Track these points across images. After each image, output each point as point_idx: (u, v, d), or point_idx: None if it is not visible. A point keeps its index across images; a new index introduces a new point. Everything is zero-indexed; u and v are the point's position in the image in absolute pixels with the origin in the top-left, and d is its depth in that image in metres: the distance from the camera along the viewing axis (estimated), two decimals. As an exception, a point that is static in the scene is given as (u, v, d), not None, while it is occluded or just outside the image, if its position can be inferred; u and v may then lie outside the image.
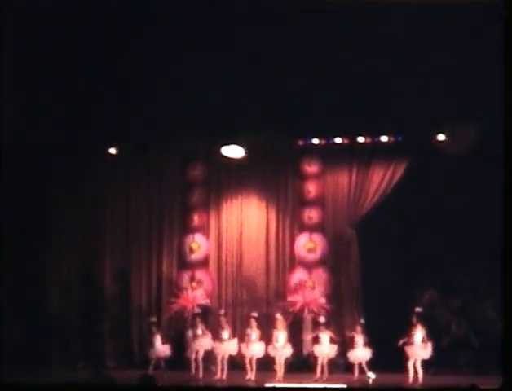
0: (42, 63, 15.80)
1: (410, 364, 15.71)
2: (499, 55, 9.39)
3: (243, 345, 16.60)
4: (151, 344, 17.10)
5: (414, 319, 15.87)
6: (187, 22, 15.01)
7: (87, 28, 15.19)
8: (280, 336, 16.47)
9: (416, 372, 15.70)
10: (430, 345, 15.82)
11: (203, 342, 16.80)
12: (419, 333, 15.78)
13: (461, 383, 13.33)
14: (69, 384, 12.20)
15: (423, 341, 15.77)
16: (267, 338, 16.82)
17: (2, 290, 16.67)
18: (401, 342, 15.71)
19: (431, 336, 16.16)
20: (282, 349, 16.44)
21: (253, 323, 16.61)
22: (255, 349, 16.50)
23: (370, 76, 15.60)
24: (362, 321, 16.75)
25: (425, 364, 15.94)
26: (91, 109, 16.79)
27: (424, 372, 15.79)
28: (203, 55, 15.52)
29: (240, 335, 17.05)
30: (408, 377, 15.63)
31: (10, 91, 15.38)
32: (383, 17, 14.46)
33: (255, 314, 16.83)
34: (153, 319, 17.55)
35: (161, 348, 17.06)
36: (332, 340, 16.54)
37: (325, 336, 16.52)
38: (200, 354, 16.80)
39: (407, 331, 15.82)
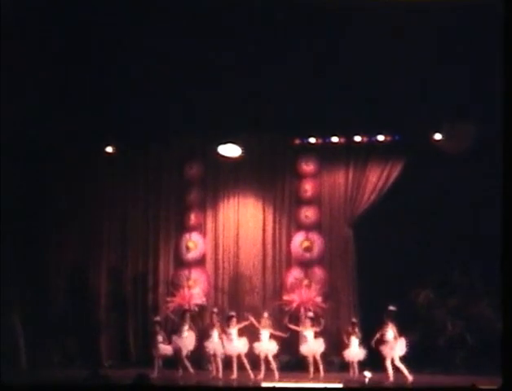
0: (42, 62, 15.77)
1: (388, 363, 15.65)
2: (498, 55, 9.40)
3: (227, 344, 16.54)
4: (154, 343, 17.06)
5: (386, 317, 15.81)
6: (186, 21, 14.99)
7: (87, 27, 15.16)
8: (264, 333, 16.46)
9: (399, 371, 15.65)
10: (403, 341, 15.74)
11: (186, 341, 16.82)
12: (391, 331, 15.74)
13: (457, 382, 13.39)
14: (66, 384, 12.23)
15: (395, 338, 15.73)
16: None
17: (1, 289, 16.66)
18: (373, 341, 15.75)
19: (428, 335, 16.22)
20: (267, 346, 16.42)
21: (233, 322, 16.58)
22: (238, 346, 16.48)
23: (367, 75, 15.59)
24: (354, 320, 16.78)
25: (421, 363, 15.96)
26: (89, 108, 16.77)
27: (419, 371, 15.79)
28: (201, 54, 15.50)
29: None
30: (387, 376, 15.59)
31: (10, 91, 15.35)
32: (382, 17, 14.44)
33: (233, 313, 16.85)
34: (157, 318, 17.55)
35: (164, 347, 17.02)
36: (316, 335, 16.53)
37: (310, 333, 16.52)
38: (184, 353, 16.80)
39: (378, 330, 15.80)
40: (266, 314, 16.82)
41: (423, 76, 15.54)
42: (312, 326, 16.61)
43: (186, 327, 17.00)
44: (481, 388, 9.85)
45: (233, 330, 16.55)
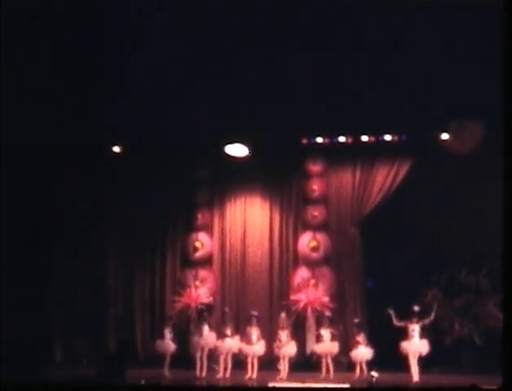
0: (49, 60, 15.79)
1: (411, 361, 15.70)
2: (502, 54, 9.41)
3: (244, 344, 16.57)
4: (162, 337, 17.04)
5: (414, 318, 15.84)
6: (189, 21, 15.00)
7: (89, 26, 15.17)
8: (284, 334, 16.45)
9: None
10: (426, 342, 15.80)
11: (209, 340, 16.79)
12: (417, 330, 15.77)
13: (464, 382, 13.33)
14: (70, 384, 12.25)
15: (420, 338, 15.77)
16: (269, 337, 16.84)
17: (4, 288, 16.68)
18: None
19: (435, 335, 16.18)
20: (287, 347, 16.41)
21: (254, 322, 16.59)
22: (256, 347, 16.48)
23: (374, 74, 15.57)
24: (357, 320, 16.80)
25: (429, 363, 15.94)
26: (97, 107, 16.76)
27: (427, 371, 15.80)
28: (206, 54, 15.51)
29: (243, 333, 16.94)
30: (411, 375, 15.61)
31: (15, 90, 15.37)
32: (387, 17, 14.44)
33: (255, 313, 16.83)
34: (169, 314, 17.65)
35: (171, 343, 17.01)
36: (333, 337, 16.54)
37: (327, 333, 16.53)
38: (205, 352, 16.80)
39: (404, 329, 15.84)
40: (283, 315, 16.79)
41: (430, 76, 15.50)
42: (329, 326, 16.61)
43: (206, 327, 16.96)
44: (481, 388, 9.82)
45: (254, 331, 16.56)
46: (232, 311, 18.06)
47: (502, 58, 9.18)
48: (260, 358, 16.59)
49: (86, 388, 10.77)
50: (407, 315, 15.85)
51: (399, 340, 15.69)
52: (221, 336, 16.79)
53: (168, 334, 17.00)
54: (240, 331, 17.11)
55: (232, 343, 16.65)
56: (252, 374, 16.35)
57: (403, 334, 15.75)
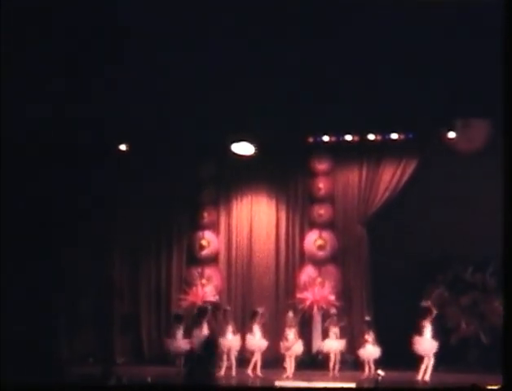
0: (53, 58, 15.80)
1: (427, 363, 15.68)
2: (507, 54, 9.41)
3: (248, 340, 16.60)
4: (173, 337, 17.07)
5: (424, 314, 15.86)
6: (190, 20, 14.99)
7: (91, 25, 15.17)
8: (291, 333, 16.46)
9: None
10: (437, 341, 15.83)
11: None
12: (428, 327, 15.79)
13: (470, 380, 13.35)
14: (78, 382, 12.27)
15: (431, 338, 15.79)
16: (275, 335, 16.86)
17: (9, 287, 16.71)
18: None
19: (441, 333, 16.17)
20: (293, 346, 16.42)
21: (257, 318, 16.62)
22: (260, 343, 16.52)
23: (380, 73, 15.55)
24: (367, 318, 16.80)
25: (435, 361, 15.93)
26: (102, 106, 16.76)
27: (433, 369, 15.78)
28: (212, 53, 15.51)
29: (247, 330, 16.96)
30: (424, 372, 15.62)
31: (18, 89, 15.39)
32: (391, 15, 14.41)
33: (259, 309, 16.88)
34: (179, 312, 17.62)
35: (183, 342, 17.00)
36: (341, 335, 16.55)
37: (336, 330, 16.54)
38: None
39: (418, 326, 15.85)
40: (290, 314, 16.80)
41: (436, 74, 15.49)
42: (337, 324, 16.64)
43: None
44: (482, 387, 9.82)
45: (257, 327, 16.58)
46: (238, 309, 18.12)
47: (503, 58, 9.18)
48: (266, 356, 16.64)
49: (89, 387, 10.78)
50: (415, 313, 15.88)
51: (404, 339, 15.70)
52: (222, 333, 16.81)
53: (179, 335, 17.02)
54: (246, 329, 17.11)
55: (233, 340, 16.69)
56: (257, 371, 16.39)
57: (416, 331, 15.75)
